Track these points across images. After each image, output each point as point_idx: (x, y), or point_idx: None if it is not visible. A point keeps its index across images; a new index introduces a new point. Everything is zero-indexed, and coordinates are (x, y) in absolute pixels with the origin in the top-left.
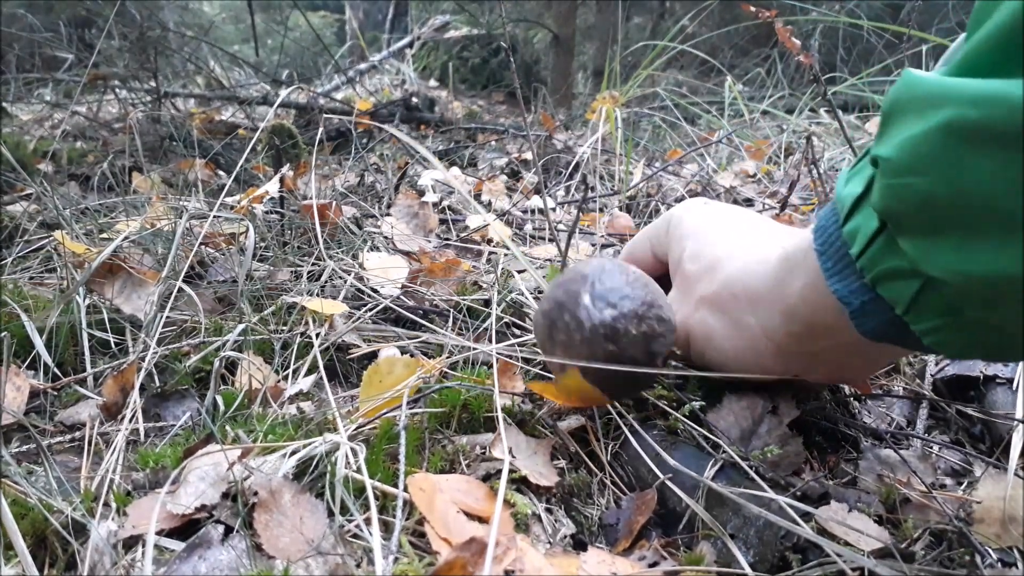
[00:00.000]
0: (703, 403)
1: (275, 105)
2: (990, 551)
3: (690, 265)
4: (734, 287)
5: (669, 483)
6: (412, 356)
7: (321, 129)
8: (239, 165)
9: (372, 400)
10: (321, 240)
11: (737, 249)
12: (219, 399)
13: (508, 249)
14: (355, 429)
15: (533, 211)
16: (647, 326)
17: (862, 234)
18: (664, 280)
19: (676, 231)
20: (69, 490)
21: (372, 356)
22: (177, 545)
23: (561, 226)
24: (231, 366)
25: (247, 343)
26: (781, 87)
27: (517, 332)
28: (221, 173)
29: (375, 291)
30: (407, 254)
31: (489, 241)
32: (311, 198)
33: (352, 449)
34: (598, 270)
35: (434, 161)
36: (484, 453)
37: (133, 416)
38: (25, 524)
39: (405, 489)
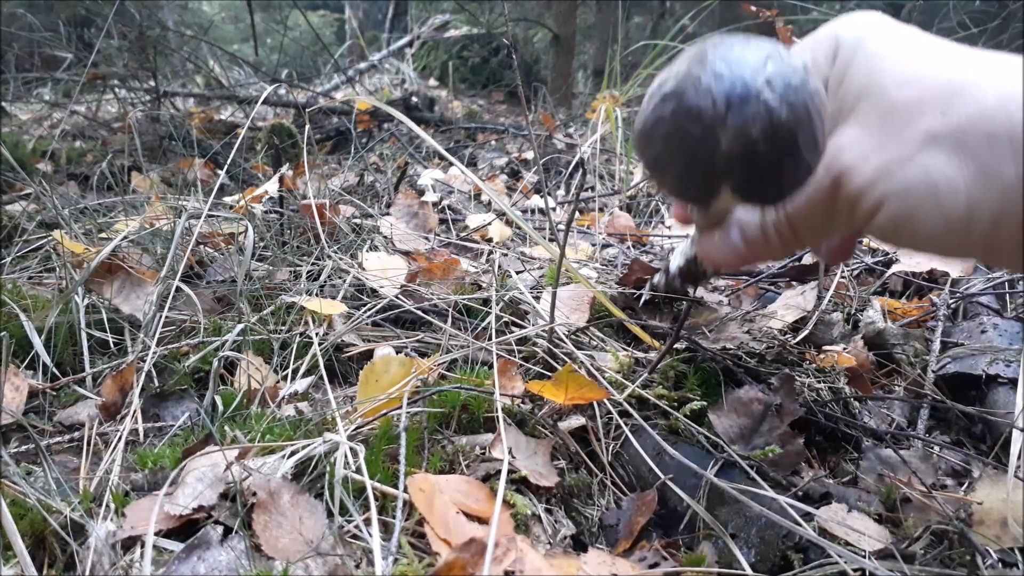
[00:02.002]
0: (704, 403)
1: (259, 101)
2: (990, 551)
3: (901, 91)
4: (993, 123)
5: (670, 483)
6: (408, 356)
7: (308, 127)
8: (229, 159)
9: (370, 400)
10: (323, 239)
11: (984, 75)
12: (218, 399)
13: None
14: (354, 429)
15: (533, 211)
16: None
17: None
18: None
19: (857, 50)
20: (68, 490)
21: (370, 355)
22: (176, 546)
23: (561, 226)
24: (230, 366)
25: (246, 343)
26: None
27: (516, 331)
28: (220, 172)
29: (374, 291)
30: (406, 254)
31: (489, 240)
32: (310, 198)
33: (352, 449)
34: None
35: (441, 151)
36: (484, 453)
37: (132, 416)
38: (24, 524)
39: (405, 489)
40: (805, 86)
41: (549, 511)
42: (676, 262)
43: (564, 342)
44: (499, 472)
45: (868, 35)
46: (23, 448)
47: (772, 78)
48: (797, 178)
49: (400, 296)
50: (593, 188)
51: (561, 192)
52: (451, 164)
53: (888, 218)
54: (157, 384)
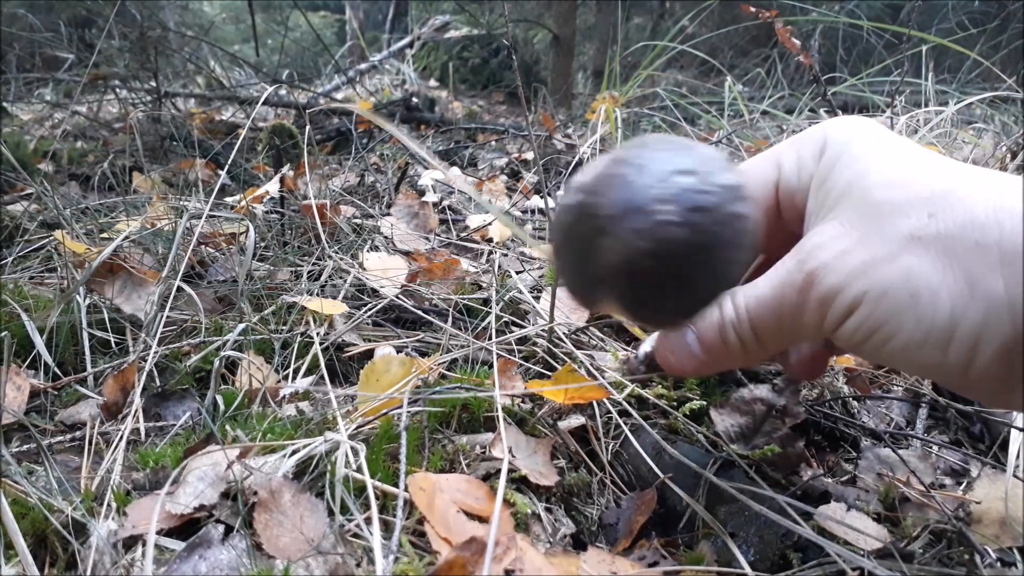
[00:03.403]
0: (703, 402)
1: (259, 101)
2: (989, 550)
3: (886, 192)
4: (983, 233)
5: (669, 482)
6: (409, 355)
7: (308, 128)
8: (230, 159)
9: (371, 400)
10: (324, 239)
11: (974, 186)
12: (219, 399)
13: (508, 248)
14: (355, 428)
15: (533, 211)
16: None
17: None
18: (776, 237)
19: (844, 151)
20: (69, 490)
21: (371, 355)
22: (177, 545)
23: None
24: (231, 366)
25: (247, 343)
26: (781, 87)
27: (516, 330)
28: (221, 173)
29: (375, 291)
30: (407, 254)
31: (489, 241)
32: (311, 198)
33: (352, 448)
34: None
35: (434, 162)
36: (484, 453)
37: (133, 416)
38: (25, 524)
39: (405, 488)
40: (720, 209)
41: (549, 510)
42: (645, 347)
43: (564, 342)
44: (499, 471)
45: (857, 138)
46: (25, 447)
47: (679, 195)
48: (683, 307)
49: (400, 296)
50: None
51: (561, 192)
52: (451, 165)
53: (861, 322)
54: (158, 384)
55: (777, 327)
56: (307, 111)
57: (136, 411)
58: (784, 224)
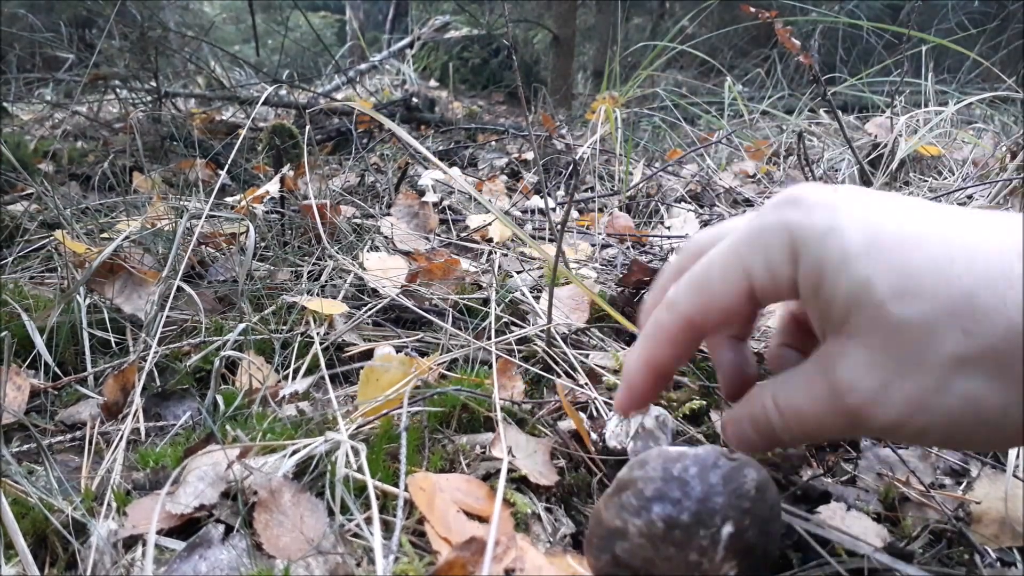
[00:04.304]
0: (703, 402)
1: (259, 101)
2: (989, 550)
3: (903, 306)
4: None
5: None
6: (408, 355)
7: (309, 128)
8: (230, 159)
9: (371, 400)
10: (324, 239)
11: (984, 278)
12: (219, 399)
13: (508, 248)
14: (355, 428)
15: (533, 211)
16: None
17: None
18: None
19: (823, 248)
20: (69, 490)
21: (371, 355)
22: (177, 544)
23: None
24: (231, 366)
25: (247, 343)
26: (781, 87)
27: (516, 330)
28: (221, 173)
29: (375, 291)
30: (407, 254)
31: (489, 241)
32: (311, 198)
33: (353, 448)
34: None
35: (433, 160)
36: (484, 453)
37: (134, 416)
38: (26, 523)
39: (406, 488)
40: (758, 512)
41: (549, 510)
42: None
43: (562, 343)
44: (499, 471)
45: (829, 226)
46: (25, 447)
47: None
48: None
49: (400, 296)
50: (592, 188)
51: (561, 192)
52: (451, 165)
53: (918, 437)
54: (159, 383)
55: (815, 435)
56: (307, 111)
57: (136, 411)
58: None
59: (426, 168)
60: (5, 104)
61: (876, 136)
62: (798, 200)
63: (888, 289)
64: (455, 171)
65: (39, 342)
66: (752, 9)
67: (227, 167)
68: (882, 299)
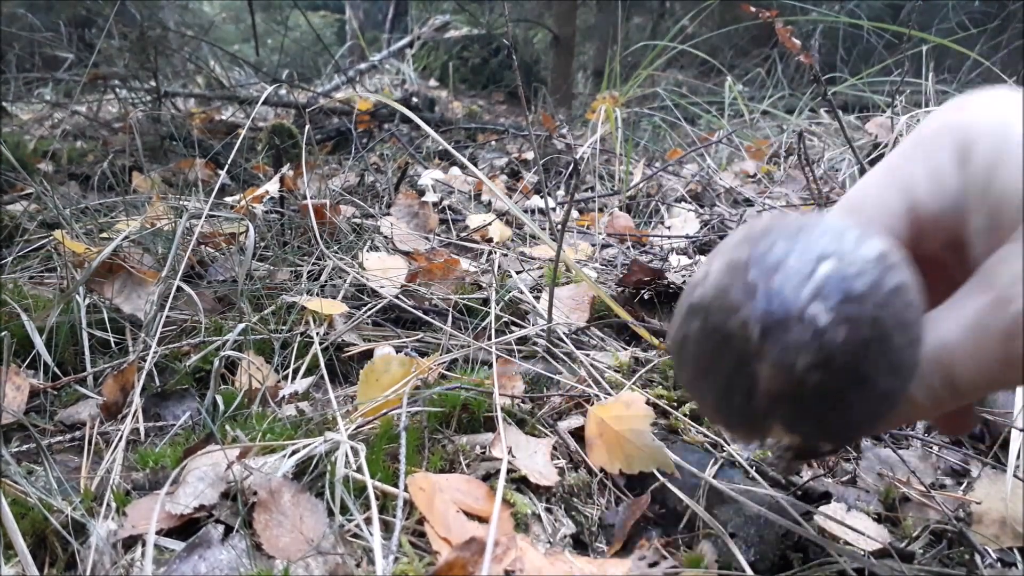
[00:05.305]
0: None
1: (259, 101)
2: (989, 551)
3: None
4: None
5: (668, 483)
6: (408, 355)
7: (308, 127)
8: (230, 159)
9: (371, 400)
10: (322, 240)
11: None
12: (219, 399)
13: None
14: (355, 429)
15: (533, 211)
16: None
17: None
18: (930, 269)
19: (1003, 146)
20: (69, 490)
21: (370, 355)
22: (177, 545)
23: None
24: (231, 366)
25: (247, 343)
26: (781, 87)
27: (515, 330)
28: (221, 173)
29: (375, 291)
30: (407, 254)
31: (489, 241)
32: (310, 198)
33: (352, 448)
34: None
35: (448, 148)
36: (484, 453)
37: (133, 416)
38: (25, 524)
39: (405, 489)
40: (877, 289)
41: (549, 510)
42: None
43: (564, 342)
44: (499, 471)
45: (1010, 124)
46: (24, 447)
47: (825, 287)
48: (869, 411)
49: (400, 296)
50: (593, 188)
51: (561, 192)
52: (451, 164)
53: None
54: (158, 383)
55: (976, 384)
56: (307, 111)
57: (136, 411)
58: (925, 253)
59: (425, 168)
60: (5, 104)
61: (877, 136)
62: (962, 105)
63: None
64: (455, 171)
65: (38, 342)
66: (753, 9)
67: (227, 167)
68: None
